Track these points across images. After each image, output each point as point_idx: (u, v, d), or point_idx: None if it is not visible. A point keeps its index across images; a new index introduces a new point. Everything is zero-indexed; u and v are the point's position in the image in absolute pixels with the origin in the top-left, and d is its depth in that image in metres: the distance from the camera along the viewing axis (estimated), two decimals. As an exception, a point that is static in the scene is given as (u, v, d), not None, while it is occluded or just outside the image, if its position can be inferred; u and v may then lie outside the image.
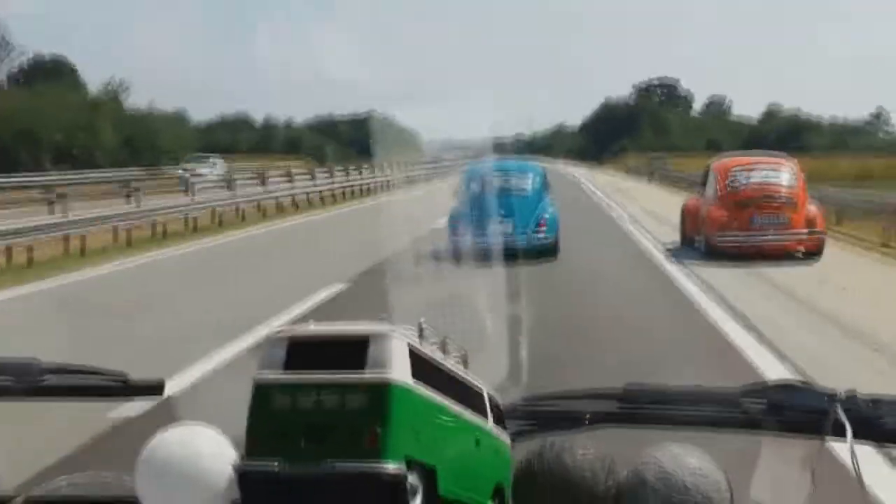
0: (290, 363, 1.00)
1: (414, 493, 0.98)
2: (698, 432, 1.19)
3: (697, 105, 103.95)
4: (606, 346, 7.38)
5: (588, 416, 1.24)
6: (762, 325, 8.45)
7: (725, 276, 11.96)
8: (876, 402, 1.12)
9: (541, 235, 14.05)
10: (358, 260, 12.96)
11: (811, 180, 15.19)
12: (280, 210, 27.24)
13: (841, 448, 1.10)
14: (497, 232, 13.84)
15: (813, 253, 13.55)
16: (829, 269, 12.56)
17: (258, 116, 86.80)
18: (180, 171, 39.51)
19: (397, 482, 0.95)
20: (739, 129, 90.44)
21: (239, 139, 79.08)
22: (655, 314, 9.52)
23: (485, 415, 1.17)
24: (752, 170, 14.28)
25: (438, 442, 1.03)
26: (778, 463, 1.15)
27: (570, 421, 1.24)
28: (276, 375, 1.00)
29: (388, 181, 38.06)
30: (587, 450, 1.13)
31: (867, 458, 1.09)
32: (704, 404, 1.21)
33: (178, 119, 65.18)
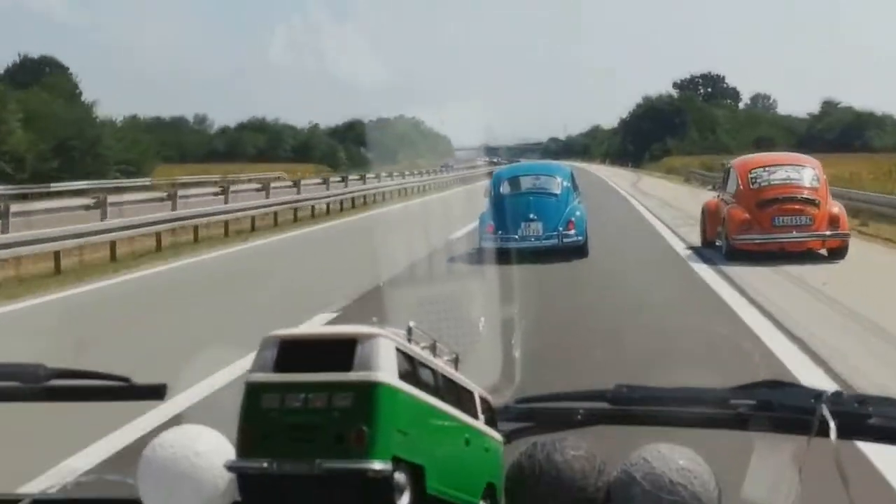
0: (282, 364, 1.03)
1: (401, 491, 1.00)
2: (688, 431, 1.21)
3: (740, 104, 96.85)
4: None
5: (579, 415, 1.25)
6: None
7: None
8: (862, 400, 1.13)
9: (570, 235, 14.25)
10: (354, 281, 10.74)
11: (879, 182, 14.28)
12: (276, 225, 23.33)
13: (843, 446, 1.10)
14: (527, 233, 14.08)
15: (837, 253, 13.41)
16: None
17: (273, 119, 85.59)
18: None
19: (383, 480, 0.97)
20: (793, 124, 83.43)
21: (245, 144, 77.01)
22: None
23: (475, 415, 1.19)
24: (773, 169, 14.11)
25: (426, 441, 1.05)
26: (767, 461, 1.16)
27: (561, 421, 1.26)
28: (266, 376, 1.02)
29: (408, 186, 37.64)
30: (578, 450, 1.15)
31: (879, 458, 1.09)
32: (694, 404, 1.22)
33: (130, 125, 57.86)
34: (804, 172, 13.96)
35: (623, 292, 10.62)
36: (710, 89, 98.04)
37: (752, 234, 13.37)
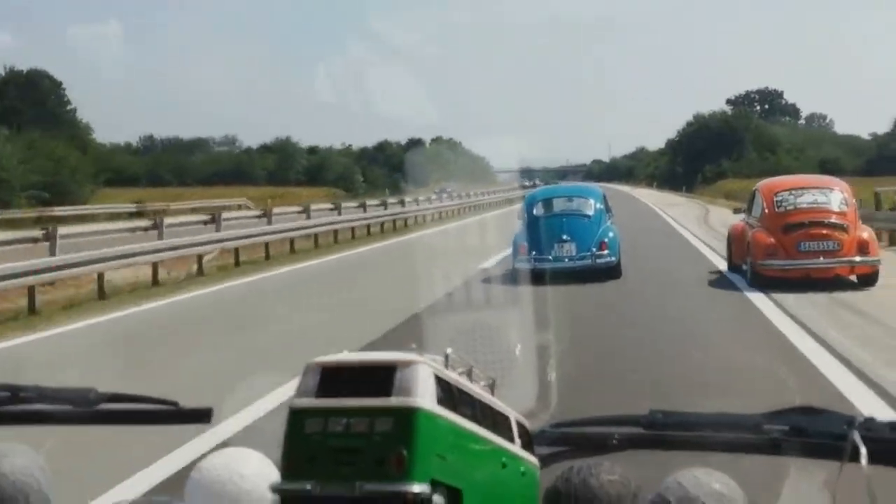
0: (324, 390, 1.06)
1: None
2: (722, 456, 1.22)
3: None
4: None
5: (615, 440, 1.27)
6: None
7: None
8: (895, 426, 1.14)
9: (603, 256, 14.44)
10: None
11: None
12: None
13: (874, 472, 1.11)
14: (560, 253, 14.18)
15: (867, 280, 13.11)
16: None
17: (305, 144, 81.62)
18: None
19: (422, 502, 1.00)
20: (857, 145, 75.43)
21: (253, 166, 71.80)
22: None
23: (512, 439, 1.22)
24: (800, 192, 13.87)
25: (464, 465, 1.08)
26: (799, 487, 1.18)
27: (596, 445, 1.28)
28: (309, 401, 1.06)
29: (437, 211, 36.85)
30: (613, 474, 1.17)
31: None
32: (727, 429, 1.24)
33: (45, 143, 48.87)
34: (832, 196, 13.67)
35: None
36: (766, 106, 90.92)
37: (778, 260, 13.11)
